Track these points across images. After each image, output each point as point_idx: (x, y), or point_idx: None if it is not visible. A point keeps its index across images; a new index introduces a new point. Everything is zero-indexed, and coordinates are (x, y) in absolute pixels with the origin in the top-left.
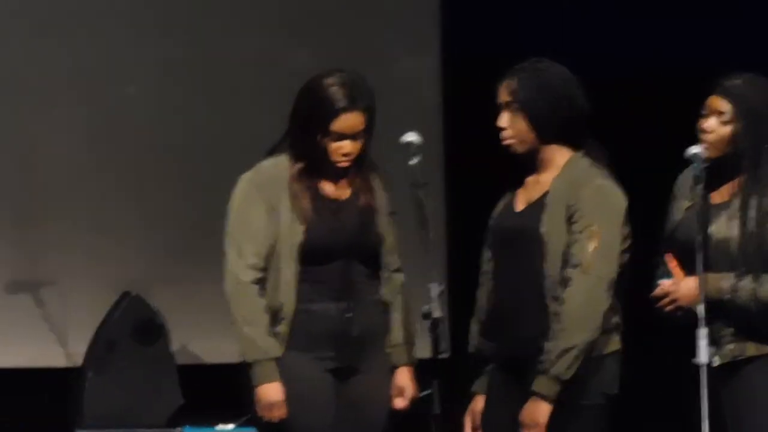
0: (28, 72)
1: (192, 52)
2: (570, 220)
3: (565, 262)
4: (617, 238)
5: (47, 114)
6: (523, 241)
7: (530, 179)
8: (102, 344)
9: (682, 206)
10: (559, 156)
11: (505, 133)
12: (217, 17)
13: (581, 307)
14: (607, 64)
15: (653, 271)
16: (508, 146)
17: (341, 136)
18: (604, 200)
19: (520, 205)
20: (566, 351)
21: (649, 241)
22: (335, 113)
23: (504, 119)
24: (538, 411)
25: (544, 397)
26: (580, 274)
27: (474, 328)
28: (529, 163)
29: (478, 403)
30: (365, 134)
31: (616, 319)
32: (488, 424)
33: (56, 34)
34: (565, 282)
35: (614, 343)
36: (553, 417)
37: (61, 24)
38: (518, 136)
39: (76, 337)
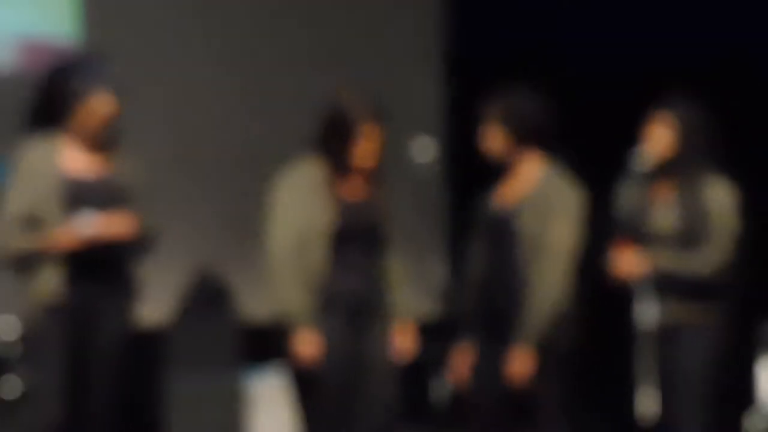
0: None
1: (244, 79)
2: (541, 214)
3: (537, 248)
4: (578, 226)
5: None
6: (505, 230)
7: (509, 179)
8: (179, 310)
9: (626, 199)
10: (531, 163)
11: (485, 141)
12: (262, 50)
13: (552, 283)
14: (600, 67)
15: (605, 253)
16: (488, 154)
17: (359, 145)
18: (568, 197)
19: (501, 202)
20: (542, 313)
21: (598, 229)
22: (354, 126)
23: (484, 129)
24: (523, 362)
25: (524, 353)
26: (552, 254)
27: (464, 295)
28: (508, 168)
29: (467, 354)
30: (380, 140)
31: (572, 293)
32: (473, 374)
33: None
34: (537, 264)
35: (573, 308)
36: (532, 369)
37: (132, 45)
38: (494, 143)
39: (157, 306)
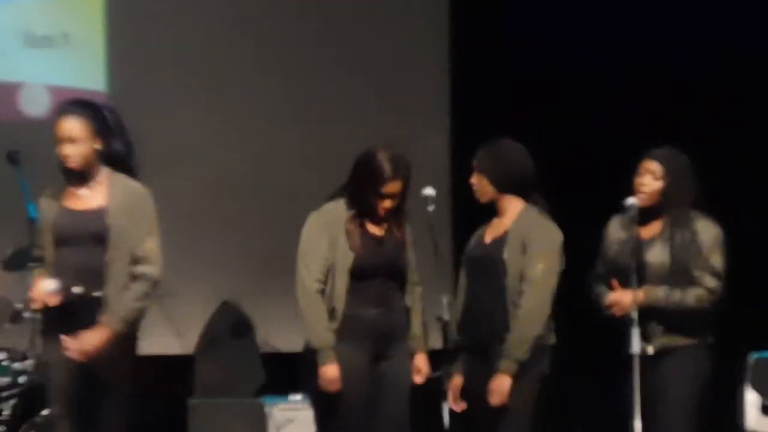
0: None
1: (284, 126)
2: (524, 250)
3: (521, 279)
4: (557, 263)
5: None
6: (491, 265)
7: (494, 221)
8: (208, 338)
9: (616, 241)
10: (513, 205)
11: (474, 188)
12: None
13: (532, 311)
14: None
15: (585, 286)
16: (479, 198)
17: (385, 197)
18: (548, 236)
19: (488, 239)
20: (523, 341)
21: (578, 264)
22: (383, 182)
23: (473, 178)
24: (503, 383)
25: (507, 374)
26: (532, 287)
27: (453, 326)
28: (494, 210)
29: (457, 380)
30: (403, 194)
31: (551, 323)
32: (465, 395)
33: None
34: (520, 293)
35: (551, 338)
36: (512, 387)
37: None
38: (481, 190)
39: (189, 333)
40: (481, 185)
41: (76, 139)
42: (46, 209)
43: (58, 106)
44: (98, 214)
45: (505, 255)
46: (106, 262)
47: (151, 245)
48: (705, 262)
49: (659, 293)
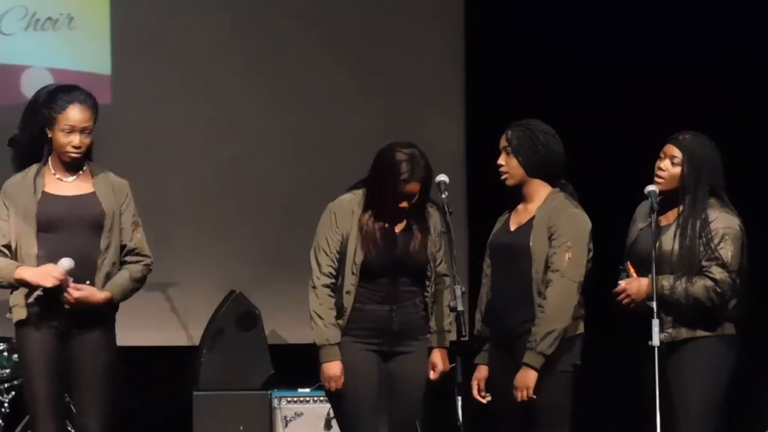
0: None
1: (282, 116)
2: (550, 238)
3: (547, 268)
4: (585, 251)
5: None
6: (516, 253)
7: (519, 207)
8: (213, 329)
9: (638, 227)
10: (541, 190)
11: (501, 170)
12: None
13: (560, 301)
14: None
15: (614, 275)
16: (504, 180)
17: (403, 197)
18: (575, 224)
19: (513, 226)
20: (549, 333)
21: (607, 253)
22: (401, 183)
23: (501, 159)
24: (528, 377)
25: (532, 367)
26: (559, 277)
27: (477, 317)
28: (518, 195)
29: (482, 371)
30: (422, 195)
31: (581, 311)
32: (490, 387)
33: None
34: (547, 283)
35: (580, 328)
36: (538, 381)
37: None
38: (511, 172)
39: (194, 324)
40: (510, 167)
41: (88, 129)
42: (17, 196)
43: (63, 91)
44: (91, 200)
45: (531, 242)
46: (99, 248)
47: (140, 237)
48: (713, 253)
49: (663, 283)
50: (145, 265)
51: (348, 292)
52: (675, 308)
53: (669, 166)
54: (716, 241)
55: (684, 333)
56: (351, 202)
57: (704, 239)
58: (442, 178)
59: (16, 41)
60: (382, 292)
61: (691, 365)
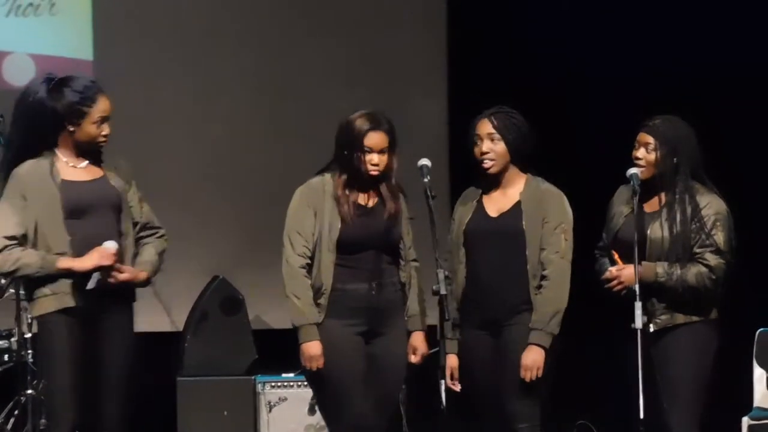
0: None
1: (264, 99)
2: (543, 220)
3: (541, 249)
4: (570, 232)
5: (158, 135)
6: (506, 237)
7: (495, 193)
8: (197, 315)
9: (620, 214)
10: (517, 176)
11: (487, 156)
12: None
13: (563, 282)
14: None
15: (593, 261)
16: (487, 168)
17: (369, 151)
18: (566, 207)
19: (493, 213)
20: (557, 313)
21: (587, 238)
22: (364, 132)
23: (487, 146)
24: (538, 356)
25: (542, 347)
26: (560, 258)
27: (452, 304)
28: (492, 182)
29: (452, 360)
30: (389, 151)
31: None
32: (466, 373)
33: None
34: (543, 264)
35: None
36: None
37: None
38: (498, 159)
39: (178, 310)
40: (498, 153)
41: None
42: (35, 183)
43: (78, 83)
44: (106, 183)
45: (525, 226)
46: (122, 230)
47: (147, 210)
48: (706, 239)
49: (658, 270)
50: (162, 236)
51: (325, 270)
52: (670, 294)
53: (645, 153)
54: (709, 226)
55: (679, 318)
56: (320, 182)
57: (696, 225)
58: (424, 162)
59: None
60: (362, 269)
61: (681, 349)
